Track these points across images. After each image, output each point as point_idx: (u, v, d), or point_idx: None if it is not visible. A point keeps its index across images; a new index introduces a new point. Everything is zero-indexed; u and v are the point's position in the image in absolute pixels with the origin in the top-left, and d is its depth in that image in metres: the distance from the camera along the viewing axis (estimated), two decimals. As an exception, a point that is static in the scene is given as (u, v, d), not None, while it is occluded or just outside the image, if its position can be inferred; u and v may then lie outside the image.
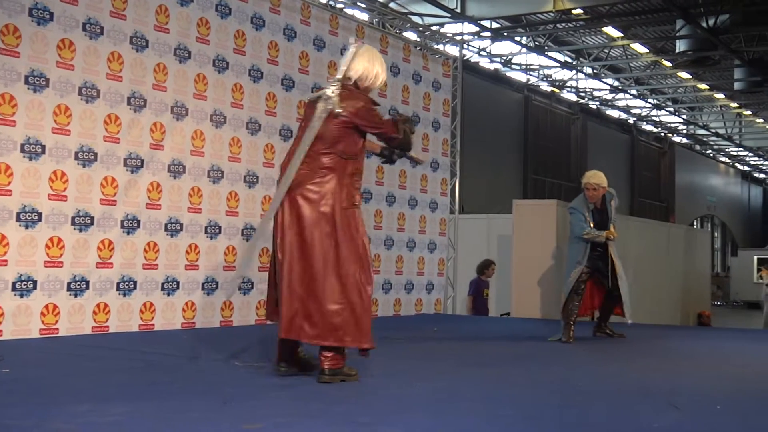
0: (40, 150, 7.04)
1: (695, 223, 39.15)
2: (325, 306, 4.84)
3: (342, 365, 4.90)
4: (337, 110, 5.00)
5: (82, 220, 7.34)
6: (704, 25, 19.34)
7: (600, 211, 8.34)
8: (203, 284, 8.42)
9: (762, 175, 51.46)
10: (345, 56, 5.27)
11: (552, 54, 24.78)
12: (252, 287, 8.92)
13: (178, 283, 8.16)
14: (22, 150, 6.93)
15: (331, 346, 4.86)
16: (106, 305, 7.51)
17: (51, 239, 7.11)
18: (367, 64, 5.20)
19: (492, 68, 25.50)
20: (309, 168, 4.99)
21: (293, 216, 4.95)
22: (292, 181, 4.97)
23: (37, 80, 7.04)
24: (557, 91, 28.64)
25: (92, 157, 7.42)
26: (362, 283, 4.96)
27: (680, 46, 21.16)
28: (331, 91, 5.09)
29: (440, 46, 12.48)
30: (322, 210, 4.94)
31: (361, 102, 5.09)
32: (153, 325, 7.91)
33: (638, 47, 23.92)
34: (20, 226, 6.91)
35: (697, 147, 41.22)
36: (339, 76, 5.17)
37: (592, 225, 8.19)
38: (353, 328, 4.88)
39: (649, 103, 32.01)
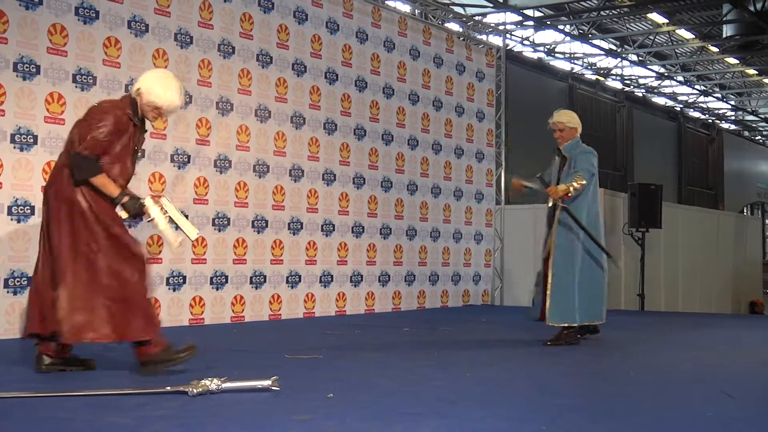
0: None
1: (745, 211, 38.45)
2: None
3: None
4: None
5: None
6: (752, 8, 18.98)
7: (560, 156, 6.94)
8: (251, 278, 8.49)
9: (813, 161, 50.50)
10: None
11: (596, 42, 24.50)
12: (299, 281, 8.97)
13: (226, 277, 8.22)
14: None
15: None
16: (155, 300, 7.59)
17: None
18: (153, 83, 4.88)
19: (536, 57, 25.26)
20: None
21: None
22: None
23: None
24: (602, 79, 28.30)
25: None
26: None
27: (727, 30, 20.78)
28: None
29: (483, 37, 12.41)
30: None
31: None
32: (203, 319, 7.98)
33: (684, 33, 23.53)
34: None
35: (746, 133, 40.52)
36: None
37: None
38: None
39: (696, 89, 31.49)
